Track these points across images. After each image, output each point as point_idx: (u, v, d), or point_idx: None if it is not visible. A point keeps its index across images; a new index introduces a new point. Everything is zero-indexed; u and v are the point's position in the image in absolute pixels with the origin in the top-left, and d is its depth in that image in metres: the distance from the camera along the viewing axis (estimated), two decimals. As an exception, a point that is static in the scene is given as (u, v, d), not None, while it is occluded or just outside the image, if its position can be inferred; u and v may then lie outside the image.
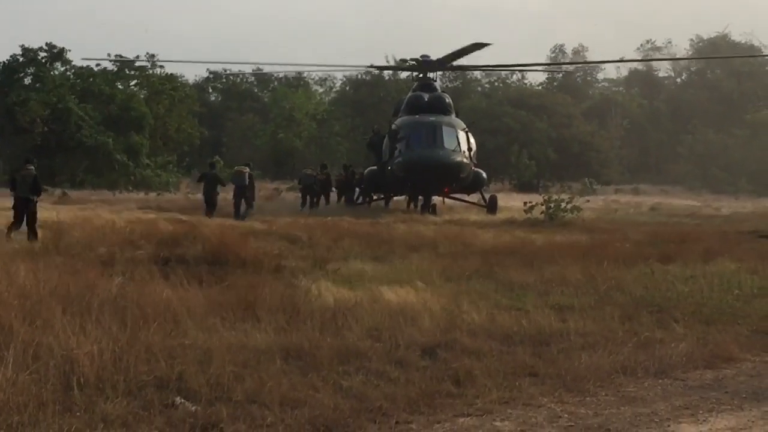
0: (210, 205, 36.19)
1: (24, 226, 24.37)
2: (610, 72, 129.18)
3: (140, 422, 8.04)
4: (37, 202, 25.49)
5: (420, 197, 43.85)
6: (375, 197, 48.17)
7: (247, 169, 39.52)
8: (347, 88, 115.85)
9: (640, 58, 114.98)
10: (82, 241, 21.05)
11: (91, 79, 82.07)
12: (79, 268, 14.99)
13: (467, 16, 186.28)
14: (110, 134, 75.13)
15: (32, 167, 26.05)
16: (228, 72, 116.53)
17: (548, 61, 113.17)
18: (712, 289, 15.97)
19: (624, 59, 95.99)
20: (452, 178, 40.07)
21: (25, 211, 25.03)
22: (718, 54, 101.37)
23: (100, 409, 8.22)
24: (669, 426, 8.55)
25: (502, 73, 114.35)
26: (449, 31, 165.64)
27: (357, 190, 47.58)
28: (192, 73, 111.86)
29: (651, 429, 8.47)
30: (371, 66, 67.46)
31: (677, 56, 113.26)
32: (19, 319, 10.48)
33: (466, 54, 44.93)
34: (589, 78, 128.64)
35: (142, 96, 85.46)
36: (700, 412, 9.04)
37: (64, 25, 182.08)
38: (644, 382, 9.99)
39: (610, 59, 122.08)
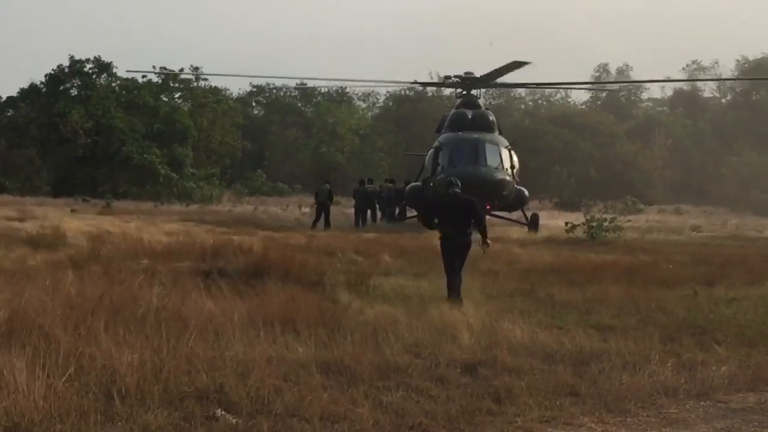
0: (359, 216, 43.53)
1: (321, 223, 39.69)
2: (654, 92, 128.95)
3: (181, 433, 8.08)
4: (330, 205, 41.47)
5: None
6: (409, 214, 48.20)
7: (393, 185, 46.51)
8: (390, 103, 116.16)
9: (685, 78, 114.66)
10: (127, 252, 21.25)
11: (135, 91, 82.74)
12: (123, 279, 15.08)
13: (511, 33, 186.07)
14: (155, 149, 75.60)
15: (327, 185, 42.99)
16: (272, 86, 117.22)
17: (592, 80, 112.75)
18: (755, 311, 15.86)
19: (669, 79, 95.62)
20: (494, 195, 39.94)
21: (323, 211, 40.62)
22: (764, 74, 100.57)
23: (141, 419, 8.26)
24: (711, 449, 8.49)
25: (546, 91, 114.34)
26: (492, 49, 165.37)
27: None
28: (236, 87, 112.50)
29: (692, 451, 8.41)
30: (415, 82, 67.34)
31: (722, 77, 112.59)
32: (63, 329, 10.57)
33: (507, 72, 44.75)
34: (633, 97, 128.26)
35: (186, 108, 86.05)
36: (742, 435, 8.97)
37: (110, 39, 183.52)
38: (686, 403, 9.91)
39: (654, 79, 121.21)
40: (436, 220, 16.79)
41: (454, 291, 15.88)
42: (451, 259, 16.22)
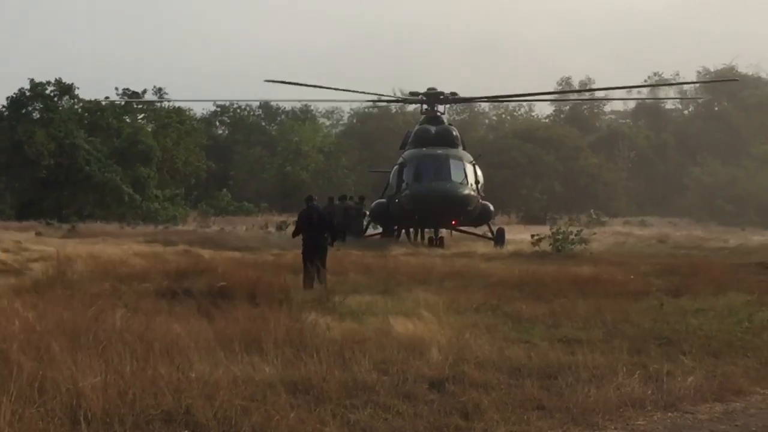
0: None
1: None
2: (617, 104, 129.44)
3: (147, 456, 8.01)
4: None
5: (427, 230, 43.89)
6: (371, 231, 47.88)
7: None
8: (354, 120, 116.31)
9: (647, 90, 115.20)
10: (91, 275, 21.11)
11: (98, 113, 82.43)
12: (86, 302, 14.96)
13: (473, 49, 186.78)
14: (118, 169, 75.33)
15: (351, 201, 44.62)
16: (235, 105, 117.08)
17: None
18: (721, 321, 15.92)
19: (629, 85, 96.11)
20: (459, 210, 40.04)
21: (344, 230, 41.28)
22: (724, 86, 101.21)
23: (108, 443, 8.18)
24: (679, 460, 8.48)
25: (510, 105, 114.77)
26: (454, 64, 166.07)
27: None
28: (199, 107, 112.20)
29: (661, 463, 8.40)
30: (379, 99, 67.41)
31: (684, 88, 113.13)
32: (24, 353, 10.46)
33: None
34: (596, 110, 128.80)
35: (149, 129, 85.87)
36: (710, 445, 8.98)
37: (73, 59, 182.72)
38: (653, 415, 9.93)
39: (617, 91, 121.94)
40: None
41: (309, 283, 20.36)
42: (311, 260, 21.09)
